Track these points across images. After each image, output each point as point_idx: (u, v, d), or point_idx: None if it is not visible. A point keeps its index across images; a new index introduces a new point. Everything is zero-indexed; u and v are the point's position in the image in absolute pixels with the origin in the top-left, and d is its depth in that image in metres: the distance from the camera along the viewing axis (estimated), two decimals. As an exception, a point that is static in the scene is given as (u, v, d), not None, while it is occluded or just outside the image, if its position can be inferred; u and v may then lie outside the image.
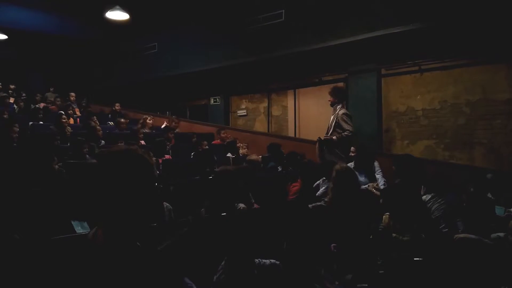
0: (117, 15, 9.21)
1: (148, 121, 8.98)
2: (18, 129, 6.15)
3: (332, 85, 6.90)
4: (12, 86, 12.85)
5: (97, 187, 1.33)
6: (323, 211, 3.13)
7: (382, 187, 5.18)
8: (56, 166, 4.40)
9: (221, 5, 9.83)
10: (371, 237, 3.33)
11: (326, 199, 3.55)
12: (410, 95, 8.06)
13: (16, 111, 9.63)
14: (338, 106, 6.11)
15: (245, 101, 11.36)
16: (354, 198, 3.23)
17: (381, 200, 4.36)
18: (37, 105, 10.01)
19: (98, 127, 7.17)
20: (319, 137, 6.12)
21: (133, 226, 1.35)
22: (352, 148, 5.63)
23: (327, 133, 6.09)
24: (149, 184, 1.37)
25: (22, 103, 10.28)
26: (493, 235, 3.48)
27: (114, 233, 1.32)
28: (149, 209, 1.37)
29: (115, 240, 1.32)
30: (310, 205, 3.91)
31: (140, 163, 1.35)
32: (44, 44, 13.52)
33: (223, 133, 8.75)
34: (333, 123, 6.02)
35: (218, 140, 8.67)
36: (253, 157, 5.71)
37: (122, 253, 1.32)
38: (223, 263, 2.44)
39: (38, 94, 11.57)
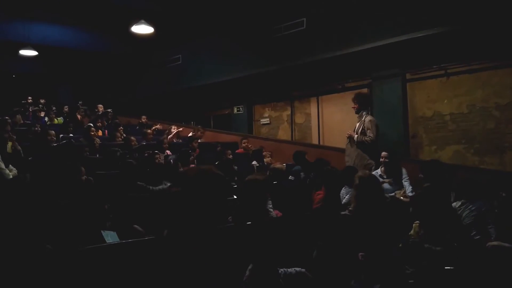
0: (142, 29, 9.44)
1: (172, 130, 9.11)
2: (54, 134, 6.50)
3: (355, 91, 6.85)
4: (42, 100, 13.31)
5: (186, 200, 1.62)
6: (348, 220, 3.06)
7: (410, 194, 5.08)
8: (84, 177, 4.51)
9: (243, 16, 9.93)
10: (399, 245, 3.26)
11: (350, 208, 3.49)
12: (437, 99, 7.90)
13: (48, 124, 9.95)
14: (364, 113, 6.05)
15: (268, 110, 11.39)
16: (379, 206, 3.15)
17: (410, 208, 4.28)
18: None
19: (132, 138, 7.42)
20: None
21: (208, 228, 1.64)
22: (383, 153, 5.54)
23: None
24: (224, 196, 1.76)
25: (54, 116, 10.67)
26: None
27: (192, 233, 1.61)
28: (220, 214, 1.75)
29: (193, 239, 1.61)
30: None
31: (220, 180, 1.65)
32: (72, 58, 13.97)
33: (244, 143, 8.78)
34: (359, 130, 5.96)
35: (241, 149, 8.72)
36: (277, 165, 5.70)
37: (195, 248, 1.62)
38: (247, 272, 2.44)
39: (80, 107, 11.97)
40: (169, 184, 4.94)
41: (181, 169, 5.69)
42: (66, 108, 12.02)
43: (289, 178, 6.09)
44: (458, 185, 4.44)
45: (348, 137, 6.13)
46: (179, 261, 1.60)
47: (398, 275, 2.84)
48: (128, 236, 3.24)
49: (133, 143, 7.12)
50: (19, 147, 5.79)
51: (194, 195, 1.59)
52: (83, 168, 4.51)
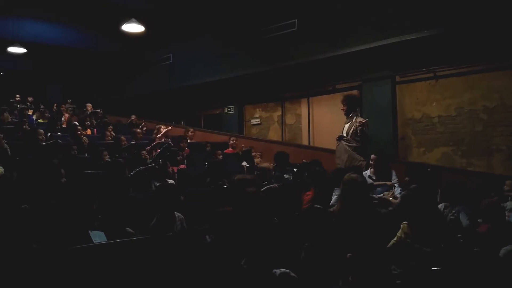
0: (133, 27, 9.38)
1: (162, 129, 9.06)
2: (43, 133, 6.43)
3: (345, 93, 6.89)
4: (30, 98, 13.16)
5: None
6: (334, 221, 3.04)
7: (398, 195, 5.12)
8: (63, 180, 4.47)
9: (235, 16, 9.93)
10: (387, 246, 3.28)
11: (332, 209, 3.48)
12: (426, 102, 7.97)
13: (35, 123, 9.83)
14: (354, 114, 6.09)
15: (259, 110, 11.39)
16: (363, 208, 3.15)
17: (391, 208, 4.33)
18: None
19: (122, 137, 7.35)
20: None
21: None
22: (372, 156, 5.57)
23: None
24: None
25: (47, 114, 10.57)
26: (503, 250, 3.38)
27: None
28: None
29: None
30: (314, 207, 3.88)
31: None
32: (61, 56, 13.83)
33: (233, 140, 8.77)
34: (350, 130, 5.98)
35: (230, 148, 8.71)
36: (265, 164, 5.69)
37: None
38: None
39: (63, 106, 11.83)
40: (158, 184, 4.91)
41: (170, 169, 5.68)
42: (55, 107, 11.89)
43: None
44: (443, 188, 4.51)
45: (337, 139, 6.16)
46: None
47: (385, 276, 2.86)
48: (117, 236, 3.23)
49: (123, 142, 7.07)
50: (5, 146, 5.71)
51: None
52: (62, 170, 4.47)
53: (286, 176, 6.29)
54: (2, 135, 5.86)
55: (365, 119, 6.31)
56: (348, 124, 6.09)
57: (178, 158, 6.81)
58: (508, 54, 6.83)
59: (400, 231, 3.48)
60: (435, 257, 3.20)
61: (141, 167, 5.35)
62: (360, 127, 5.98)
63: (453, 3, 6.60)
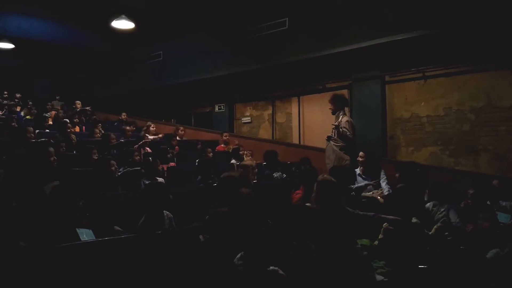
0: (123, 24, 9.31)
1: (151, 128, 9.04)
2: (32, 131, 6.34)
3: (334, 92, 6.93)
4: (18, 95, 12.99)
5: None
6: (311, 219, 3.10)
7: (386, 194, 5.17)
8: (53, 158, 4.45)
9: (226, 14, 9.91)
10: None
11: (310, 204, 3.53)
12: (414, 102, 8.06)
13: (24, 119, 9.72)
14: (341, 113, 6.14)
15: (250, 108, 11.40)
16: (336, 212, 3.21)
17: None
18: (47, 114, 10.10)
19: (112, 135, 7.24)
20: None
21: None
22: (360, 153, 5.60)
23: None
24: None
25: (33, 110, 10.44)
26: (491, 253, 3.44)
27: None
28: None
29: None
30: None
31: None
32: (50, 52, 13.65)
33: (225, 136, 8.88)
34: (336, 131, 6.04)
35: (222, 144, 8.71)
36: (247, 162, 5.69)
37: None
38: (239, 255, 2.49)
39: (49, 104, 11.68)
40: (147, 182, 4.89)
41: (160, 167, 5.65)
42: (49, 105, 11.72)
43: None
44: (431, 187, 4.57)
45: (326, 139, 6.20)
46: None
47: (364, 276, 2.90)
48: (105, 235, 3.21)
49: (113, 140, 6.99)
50: None
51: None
52: (51, 149, 4.43)
53: (275, 175, 6.31)
54: None
55: (351, 118, 6.37)
56: (335, 124, 6.14)
57: (168, 156, 6.79)
58: (496, 55, 6.93)
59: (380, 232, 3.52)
60: (421, 254, 3.25)
61: (128, 168, 5.32)
62: (335, 129, 6.05)
63: (442, 4, 6.66)
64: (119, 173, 5.09)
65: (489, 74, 7.22)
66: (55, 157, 4.60)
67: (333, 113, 6.21)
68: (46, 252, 2.48)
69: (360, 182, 5.39)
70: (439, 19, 6.71)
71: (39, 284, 2.35)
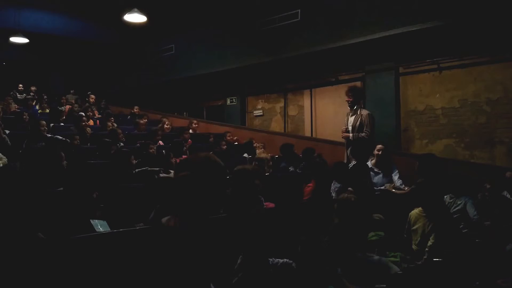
0: (135, 17, 9.32)
1: (165, 125, 8.96)
2: (45, 124, 6.41)
3: (348, 85, 6.83)
4: (33, 88, 13.15)
5: (186, 187, 1.63)
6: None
7: (401, 186, 5.11)
8: (65, 163, 4.45)
9: (237, 6, 9.87)
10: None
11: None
12: (429, 93, 7.95)
13: (39, 113, 9.85)
14: (358, 107, 5.97)
15: (262, 101, 11.37)
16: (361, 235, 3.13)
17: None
18: (62, 108, 10.21)
19: (119, 130, 7.22)
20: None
21: (206, 215, 1.70)
22: (378, 146, 5.49)
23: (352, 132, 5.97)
24: (223, 183, 1.70)
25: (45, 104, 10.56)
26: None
27: (191, 220, 1.65)
28: (219, 202, 1.76)
29: (191, 225, 1.65)
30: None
31: (218, 168, 1.66)
32: (64, 47, 13.80)
33: (229, 136, 8.69)
34: (357, 124, 5.85)
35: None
36: (262, 155, 5.68)
37: (193, 233, 1.66)
38: (239, 261, 2.46)
39: (63, 97, 11.81)
40: (162, 175, 4.92)
41: (173, 160, 5.67)
42: (64, 99, 11.85)
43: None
44: (448, 179, 4.50)
45: (344, 137, 6.04)
46: (176, 249, 1.63)
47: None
48: (119, 226, 3.23)
49: (120, 135, 6.97)
50: (3, 135, 5.70)
51: (201, 181, 1.60)
52: (62, 154, 4.46)
53: (291, 169, 6.31)
54: (2, 125, 5.86)
55: (368, 111, 6.21)
56: (354, 117, 5.95)
57: (183, 149, 6.81)
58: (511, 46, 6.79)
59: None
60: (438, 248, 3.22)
61: (147, 168, 5.31)
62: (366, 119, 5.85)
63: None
64: (136, 171, 5.11)
65: (506, 65, 7.09)
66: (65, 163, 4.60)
67: (351, 106, 6.02)
68: (64, 243, 2.52)
69: (372, 176, 5.34)
70: (455, 9, 6.58)
71: (56, 276, 2.39)
